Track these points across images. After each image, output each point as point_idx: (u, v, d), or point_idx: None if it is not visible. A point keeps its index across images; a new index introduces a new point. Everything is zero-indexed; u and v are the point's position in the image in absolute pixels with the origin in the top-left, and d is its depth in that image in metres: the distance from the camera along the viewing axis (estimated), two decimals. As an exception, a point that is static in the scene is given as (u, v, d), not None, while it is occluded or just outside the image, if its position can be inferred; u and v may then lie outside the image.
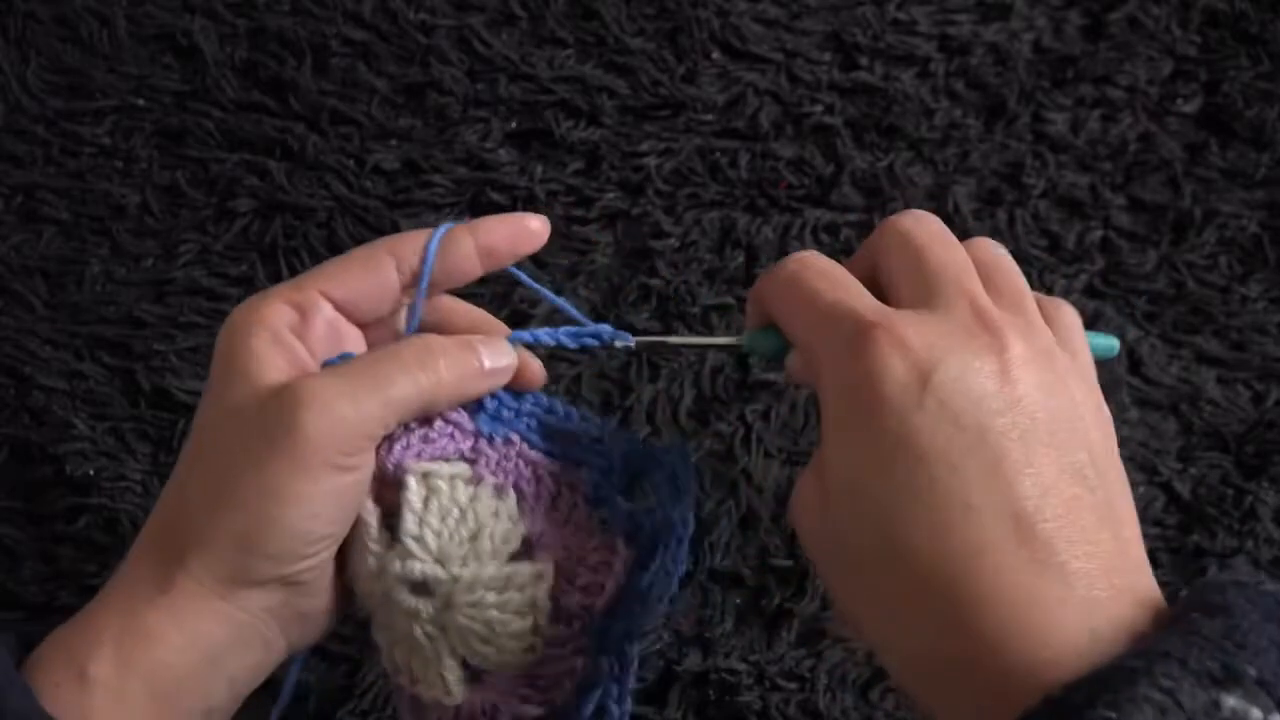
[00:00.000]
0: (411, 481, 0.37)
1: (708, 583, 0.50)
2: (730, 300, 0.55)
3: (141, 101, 0.59)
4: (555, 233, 0.56)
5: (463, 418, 0.39)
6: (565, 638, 0.37)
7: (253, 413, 0.34)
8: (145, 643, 0.33)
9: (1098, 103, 0.59)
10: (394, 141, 0.58)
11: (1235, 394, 0.55)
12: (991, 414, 0.31)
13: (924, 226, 0.36)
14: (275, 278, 0.56)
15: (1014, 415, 0.31)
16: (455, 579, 0.36)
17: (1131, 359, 0.55)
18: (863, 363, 0.31)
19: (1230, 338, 0.55)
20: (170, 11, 0.61)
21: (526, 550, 0.37)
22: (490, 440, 0.38)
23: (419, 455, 0.37)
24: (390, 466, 0.37)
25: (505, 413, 0.39)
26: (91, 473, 0.52)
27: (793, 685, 0.49)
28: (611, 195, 0.57)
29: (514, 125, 0.59)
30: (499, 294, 0.56)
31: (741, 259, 0.56)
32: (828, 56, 0.60)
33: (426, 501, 0.37)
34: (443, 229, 0.39)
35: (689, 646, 0.50)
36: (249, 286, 0.55)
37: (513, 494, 0.38)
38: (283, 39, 0.60)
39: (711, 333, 0.55)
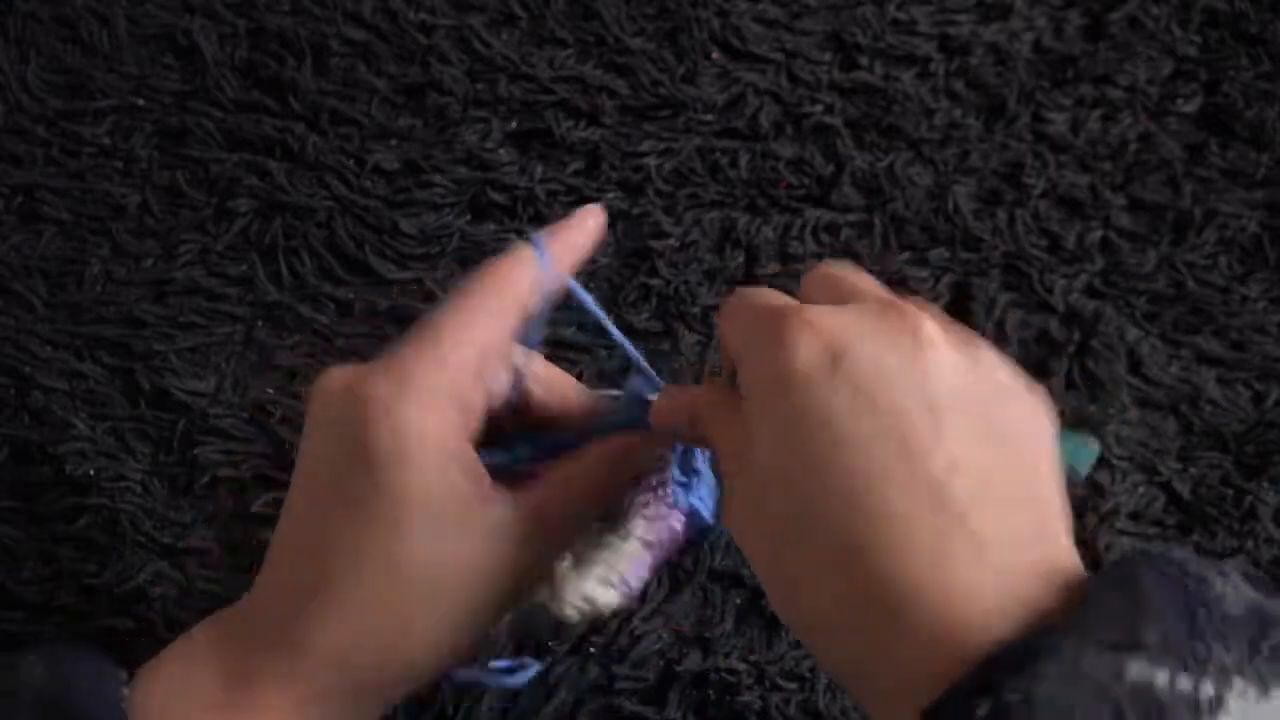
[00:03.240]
0: (636, 546, 0.41)
1: (708, 583, 0.50)
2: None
3: (141, 101, 0.59)
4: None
5: (676, 501, 0.42)
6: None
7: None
8: None
9: (1098, 103, 0.59)
10: (394, 141, 0.58)
11: (1235, 394, 0.55)
12: (903, 393, 0.30)
13: (841, 270, 0.37)
14: (275, 278, 0.56)
15: (927, 392, 0.31)
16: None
17: (1131, 359, 0.55)
18: (778, 346, 0.32)
19: (1230, 338, 0.55)
20: (170, 11, 0.61)
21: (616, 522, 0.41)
22: (670, 506, 0.42)
23: (649, 521, 0.41)
24: (639, 524, 0.41)
25: (701, 496, 0.43)
26: (91, 473, 0.52)
27: (793, 685, 0.49)
28: (611, 195, 0.57)
29: (514, 125, 0.59)
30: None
31: (741, 259, 0.56)
32: (828, 56, 0.60)
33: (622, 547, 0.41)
34: (544, 254, 0.37)
35: (689, 646, 0.50)
36: (249, 286, 0.56)
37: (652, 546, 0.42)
38: (283, 39, 0.60)
39: (712, 334, 0.55)
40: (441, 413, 0.34)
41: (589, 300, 0.39)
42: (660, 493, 0.41)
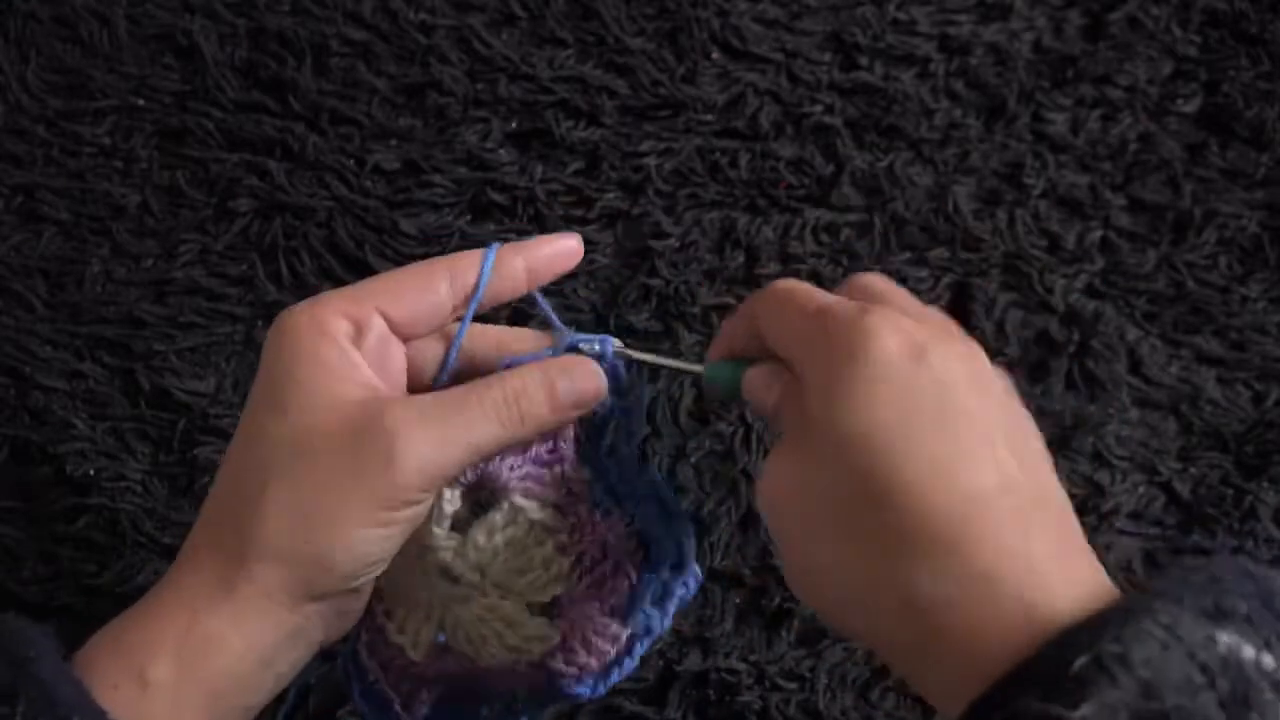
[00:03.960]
0: (505, 506, 0.38)
1: (708, 583, 0.50)
2: (730, 300, 0.55)
3: (141, 101, 0.59)
4: (555, 232, 0.57)
5: (579, 474, 0.39)
6: (527, 677, 0.39)
7: (344, 438, 0.35)
8: (207, 648, 0.34)
9: (1098, 103, 0.59)
10: (394, 141, 0.58)
11: (1235, 394, 0.55)
12: (977, 392, 0.33)
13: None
14: (275, 278, 0.56)
15: (987, 402, 0.33)
16: (483, 594, 0.38)
17: (1131, 359, 0.55)
18: (858, 333, 0.33)
19: (1230, 338, 0.55)
20: (170, 11, 0.61)
21: (551, 608, 0.39)
22: (591, 509, 0.39)
23: (525, 484, 0.39)
24: (497, 480, 0.38)
25: (621, 488, 0.40)
26: (91, 473, 0.52)
27: (793, 685, 0.49)
28: (611, 195, 0.57)
29: (514, 125, 0.59)
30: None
31: (741, 259, 0.56)
32: (828, 56, 0.60)
33: (505, 527, 0.39)
34: (494, 249, 0.39)
35: (689, 646, 0.50)
36: (249, 286, 0.56)
37: (574, 558, 0.39)
38: (283, 39, 0.60)
39: (712, 333, 0.55)
40: (333, 320, 0.37)
41: (543, 302, 0.41)
42: (545, 470, 0.40)
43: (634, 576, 0.39)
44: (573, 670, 0.39)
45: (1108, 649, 0.26)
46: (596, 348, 0.40)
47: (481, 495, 0.39)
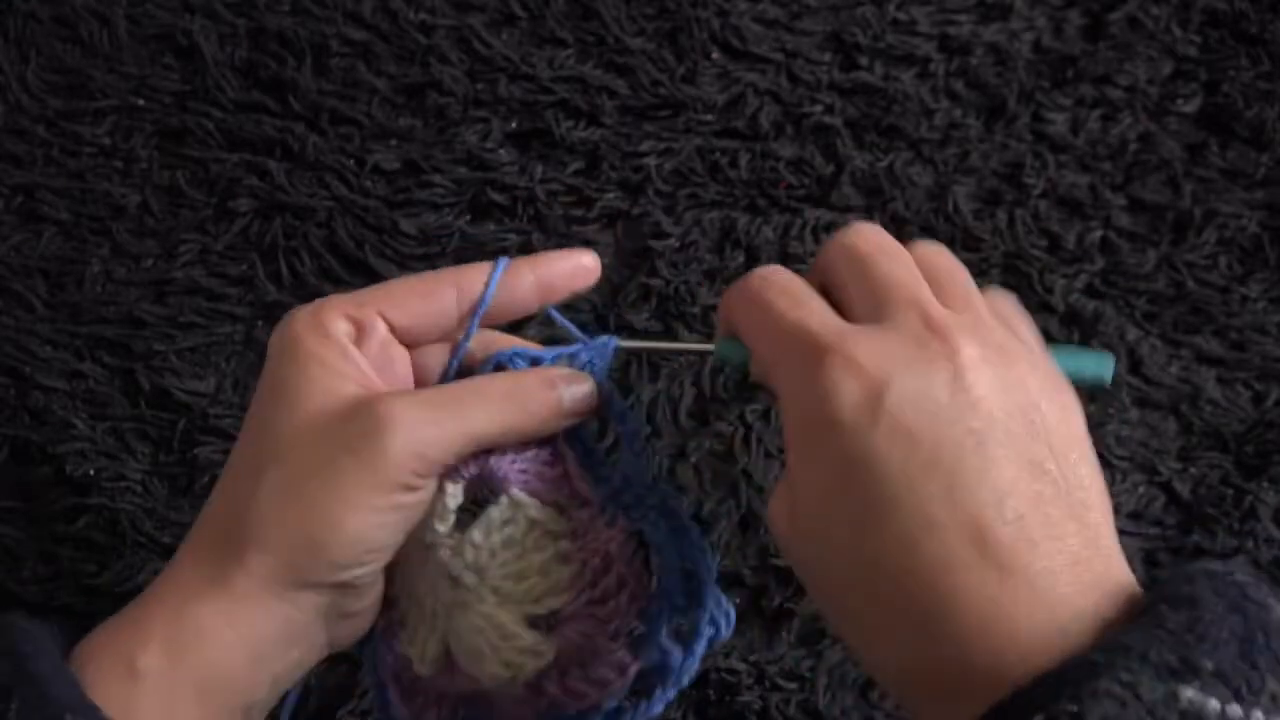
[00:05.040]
0: (504, 501, 0.38)
1: (708, 583, 0.50)
2: (730, 300, 0.56)
3: (141, 101, 0.59)
4: (555, 233, 0.57)
5: (583, 476, 0.39)
6: (529, 704, 0.37)
7: (335, 423, 0.35)
8: (196, 638, 0.34)
9: (1098, 103, 0.59)
10: (394, 141, 0.58)
11: (1235, 394, 0.55)
12: (946, 424, 0.31)
13: (866, 239, 0.36)
14: (275, 277, 0.56)
15: (968, 422, 0.31)
16: (480, 599, 0.37)
17: (1131, 359, 0.55)
18: (818, 386, 0.32)
19: (1230, 338, 0.55)
20: (170, 11, 0.61)
21: (548, 621, 0.37)
22: (594, 514, 0.38)
23: (524, 478, 0.38)
24: (497, 474, 0.38)
25: (625, 497, 0.38)
26: (91, 473, 0.52)
27: (793, 685, 0.49)
28: (611, 195, 0.57)
29: (514, 125, 0.59)
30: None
31: (741, 259, 0.56)
32: (828, 56, 0.60)
33: (504, 525, 0.38)
34: (504, 262, 0.39)
35: (689, 646, 0.50)
36: (249, 286, 0.56)
37: (575, 568, 0.37)
38: (283, 39, 0.60)
39: (712, 333, 0.55)
40: (334, 321, 0.37)
41: (558, 317, 0.41)
42: (543, 469, 0.39)
43: (642, 597, 0.37)
44: (569, 699, 0.36)
45: (1064, 708, 0.26)
46: (600, 348, 0.40)
47: (483, 493, 0.38)
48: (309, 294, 0.55)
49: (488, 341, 0.41)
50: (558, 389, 0.38)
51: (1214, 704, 0.26)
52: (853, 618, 0.33)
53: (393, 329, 0.39)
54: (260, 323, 0.55)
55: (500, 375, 0.38)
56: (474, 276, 0.39)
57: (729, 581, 0.51)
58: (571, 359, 0.40)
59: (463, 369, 0.41)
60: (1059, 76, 0.60)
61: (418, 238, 0.56)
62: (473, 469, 0.38)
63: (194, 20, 0.60)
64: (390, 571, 0.39)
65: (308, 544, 0.35)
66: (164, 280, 0.56)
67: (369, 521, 0.35)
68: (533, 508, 0.38)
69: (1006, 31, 0.61)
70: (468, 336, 0.40)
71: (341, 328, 0.37)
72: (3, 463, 0.52)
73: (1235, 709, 0.26)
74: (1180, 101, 0.60)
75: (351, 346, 0.37)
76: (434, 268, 0.56)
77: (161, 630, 0.34)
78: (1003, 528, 0.30)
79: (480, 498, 0.38)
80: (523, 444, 0.39)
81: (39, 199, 0.57)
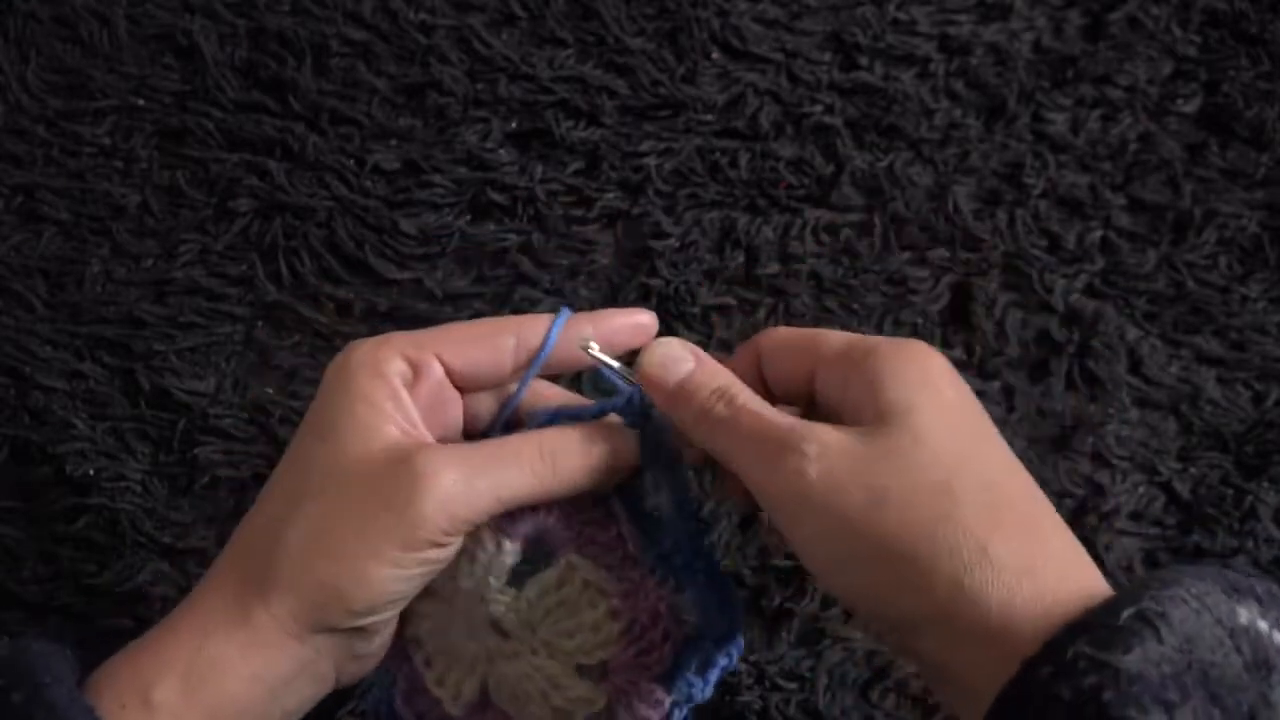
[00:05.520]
0: (561, 563, 0.39)
1: (708, 583, 0.50)
2: (730, 300, 0.55)
3: (141, 101, 0.59)
4: (555, 233, 0.57)
5: (635, 537, 0.39)
6: None
7: (374, 472, 0.36)
8: (213, 673, 0.34)
9: (1098, 103, 0.59)
10: (394, 141, 0.58)
11: (1235, 394, 0.55)
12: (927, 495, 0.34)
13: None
14: (275, 278, 0.56)
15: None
16: (531, 651, 0.38)
17: (1131, 359, 0.55)
18: (784, 469, 0.35)
19: (1230, 338, 0.55)
20: (170, 11, 0.61)
21: (598, 672, 0.39)
22: (645, 574, 0.39)
23: (579, 541, 0.39)
24: (553, 536, 0.38)
25: (675, 560, 0.39)
26: (91, 473, 0.52)
27: (793, 685, 0.49)
28: (611, 195, 0.57)
29: (514, 125, 0.59)
30: (499, 294, 0.56)
31: (741, 259, 0.56)
32: (828, 56, 0.60)
33: (559, 586, 0.39)
34: (565, 314, 0.39)
35: (689, 646, 0.50)
36: (249, 286, 0.56)
37: (624, 624, 0.39)
38: (283, 39, 0.60)
39: (712, 334, 0.55)
40: (391, 360, 0.37)
41: (610, 373, 0.40)
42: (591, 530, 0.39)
43: (679, 642, 0.38)
44: None
45: (1150, 607, 0.29)
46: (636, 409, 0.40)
47: (539, 552, 0.39)
48: (309, 294, 0.55)
49: (536, 393, 0.41)
50: (593, 452, 0.38)
51: (1264, 625, 0.30)
52: (853, 592, 0.36)
53: (449, 372, 0.38)
54: (260, 323, 0.55)
55: (536, 436, 0.38)
56: (534, 327, 0.39)
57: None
58: (617, 412, 0.40)
59: (511, 419, 0.41)
60: (1059, 76, 0.60)
61: (418, 238, 0.56)
62: (528, 527, 0.38)
63: (194, 20, 0.60)
64: (404, 614, 0.39)
65: (333, 592, 0.35)
66: (164, 280, 0.56)
67: (394, 575, 0.35)
68: (587, 569, 0.39)
69: (1006, 31, 0.61)
70: (522, 388, 0.40)
71: (397, 367, 0.37)
72: (3, 463, 0.52)
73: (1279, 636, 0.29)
74: (1180, 101, 0.60)
75: (403, 390, 0.37)
76: (434, 268, 0.56)
77: (179, 663, 0.34)
78: (1004, 547, 0.34)
79: (536, 555, 0.39)
80: (576, 500, 0.39)
81: (39, 199, 0.57)
